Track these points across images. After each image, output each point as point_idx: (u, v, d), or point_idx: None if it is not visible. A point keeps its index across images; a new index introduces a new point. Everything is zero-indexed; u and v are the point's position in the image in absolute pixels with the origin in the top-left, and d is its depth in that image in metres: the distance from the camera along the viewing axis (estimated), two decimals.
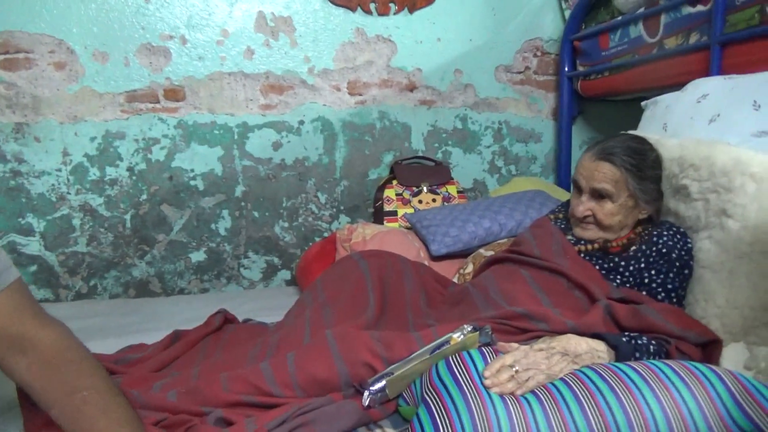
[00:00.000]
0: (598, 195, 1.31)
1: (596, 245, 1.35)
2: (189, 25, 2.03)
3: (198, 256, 2.17)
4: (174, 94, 2.06)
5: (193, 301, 1.90)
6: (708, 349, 1.10)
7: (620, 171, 1.28)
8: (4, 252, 0.83)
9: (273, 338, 1.20)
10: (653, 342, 1.05)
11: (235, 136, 2.14)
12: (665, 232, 1.28)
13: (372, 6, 2.19)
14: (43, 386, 0.82)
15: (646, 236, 1.32)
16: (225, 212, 2.17)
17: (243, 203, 2.18)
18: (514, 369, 0.88)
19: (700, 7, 1.61)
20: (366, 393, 0.96)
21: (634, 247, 1.31)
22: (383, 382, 0.97)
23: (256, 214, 2.20)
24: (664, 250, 1.25)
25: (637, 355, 1.02)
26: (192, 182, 2.12)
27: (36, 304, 0.84)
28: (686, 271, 1.24)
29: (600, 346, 1.01)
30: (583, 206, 1.33)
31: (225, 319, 1.45)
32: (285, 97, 2.17)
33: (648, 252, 1.27)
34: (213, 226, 2.16)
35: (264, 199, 2.20)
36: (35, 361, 0.81)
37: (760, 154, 1.17)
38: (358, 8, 2.18)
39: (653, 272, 1.24)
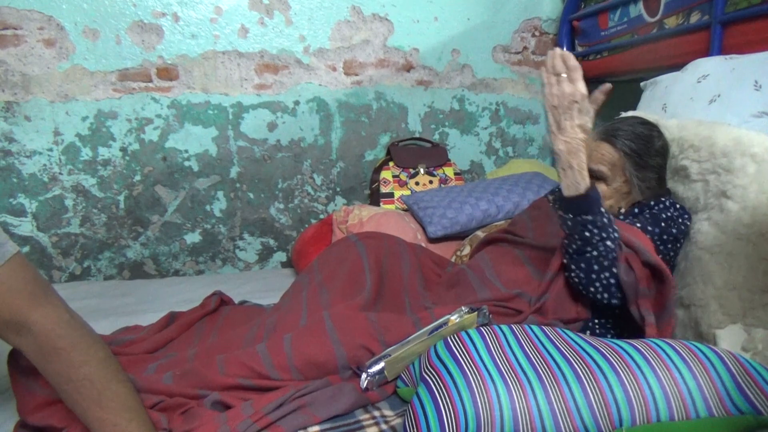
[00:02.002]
0: (594, 176, 1.29)
1: None
2: (181, 2, 1.99)
3: (193, 238, 2.15)
4: (167, 73, 2.02)
5: (188, 282, 1.89)
6: (663, 292, 1.07)
7: (619, 154, 1.24)
8: (0, 229, 0.81)
9: (269, 320, 1.19)
10: (616, 233, 1.08)
11: (230, 117, 2.11)
12: (663, 198, 1.25)
13: None
14: (40, 370, 0.82)
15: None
16: (220, 193, 2.15)
17: (238, 184, 2.16)
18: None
19: None
20: (364, 375, 0.96)
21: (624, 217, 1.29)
22: (381, 365, 0.96)
23: (251, 195, 2.19)
24: (654, 211, 1.23)
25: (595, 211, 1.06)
26: (186, 163, 2.09)
27: (34, 283, 0.82)
28: (674, 230, 1.19)
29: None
30: None
31: (221, 301, 1.44)
32: (280, 77, 2.13)
33: (638, 212, 1.26)
34: (208, 207, 2.15)
35: (259, 180, 2.18)
36: (30, 344, 0.80)
37: (761, 134, 1.16)
38: None
39: (638, 225, 1.21)
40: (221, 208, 2.16)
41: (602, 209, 1.07)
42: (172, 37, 2.00)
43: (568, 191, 1.07)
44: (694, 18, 1.63)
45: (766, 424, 0.80)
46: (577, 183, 1.06)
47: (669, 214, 1.22)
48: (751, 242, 1.11)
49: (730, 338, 1.09)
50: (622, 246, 1.07)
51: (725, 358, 0.85)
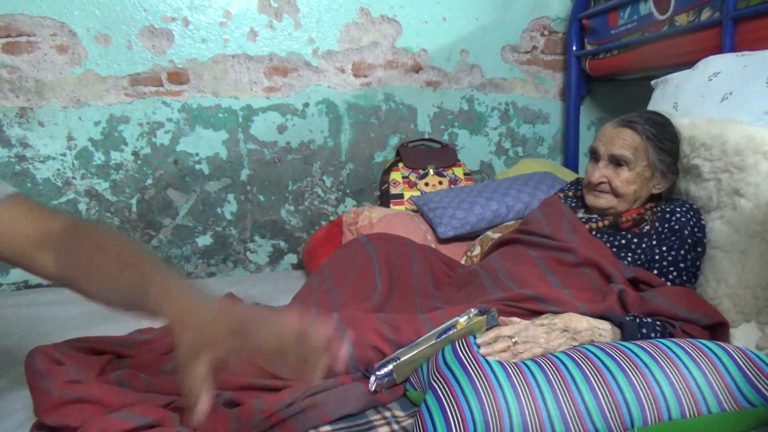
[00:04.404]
0: (616, 162, 1.31)
1: (607, 221, 1.34)
2: (191, 7, 2.01)
3: (204, 241, 2.16)
4: (177, 77, 2.04)
5: (200, 285, 1.90)
6: (716, 331, 1.09)
7: (641, 138, 1.29)
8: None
9: None
10: (658, 323, 1.05)
11: (240, 120, 2.12)
12: (678, 209, 1.27)
13: None
14: (68, 258, 0.83)
15: (658, 212, 1.31)
16: (230, 196, 2.16)
17: (248, 187, 2.18)
18: (512, 341, 0.91)
19: None
20: (372, 378, 0.96)
21: (647, 226, 1.30)
22: (390, 367, 0.96)
23: (261, 197, 2.20)
24: (676, 227, 1.23)
25: (644, 331, 1.01)
26: (197, 166, 2.11)
27: (43, 205, 0.90)
28: (699, 249, 1.22)
29: (603, 325, 1.02)
30: (599, 172, 1.32)
31: None
32: (289, 80, 2.14)
33: (660, 229, 1.26)
34: (219, 210, 2.16)
35: (269, 182, 2.19)
36: (56, 243, 0.83)
37: None
38: None
39: (664, 249, 1.23)
40: (232, 210, 2.17)
41: (643, 328, 1.02)
42: (182, 41, 2.02)
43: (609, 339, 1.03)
44: (705, 15, 1.62)
45: None
46: (598, 329, 1.01)
47: (686, 220, 1.24)
48: (765, 240, 1.10)
49: (744, 337, 1.08)
50: (676, 325, 1.05)
51: (733, 353, 0.85)
